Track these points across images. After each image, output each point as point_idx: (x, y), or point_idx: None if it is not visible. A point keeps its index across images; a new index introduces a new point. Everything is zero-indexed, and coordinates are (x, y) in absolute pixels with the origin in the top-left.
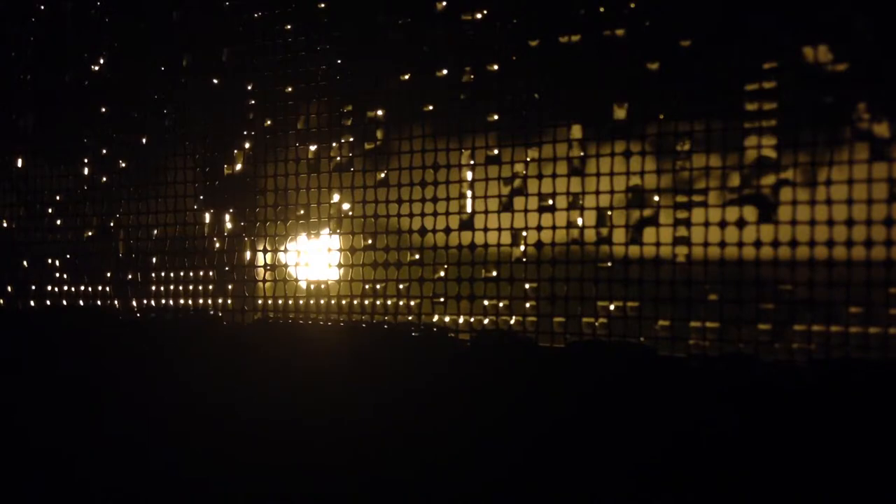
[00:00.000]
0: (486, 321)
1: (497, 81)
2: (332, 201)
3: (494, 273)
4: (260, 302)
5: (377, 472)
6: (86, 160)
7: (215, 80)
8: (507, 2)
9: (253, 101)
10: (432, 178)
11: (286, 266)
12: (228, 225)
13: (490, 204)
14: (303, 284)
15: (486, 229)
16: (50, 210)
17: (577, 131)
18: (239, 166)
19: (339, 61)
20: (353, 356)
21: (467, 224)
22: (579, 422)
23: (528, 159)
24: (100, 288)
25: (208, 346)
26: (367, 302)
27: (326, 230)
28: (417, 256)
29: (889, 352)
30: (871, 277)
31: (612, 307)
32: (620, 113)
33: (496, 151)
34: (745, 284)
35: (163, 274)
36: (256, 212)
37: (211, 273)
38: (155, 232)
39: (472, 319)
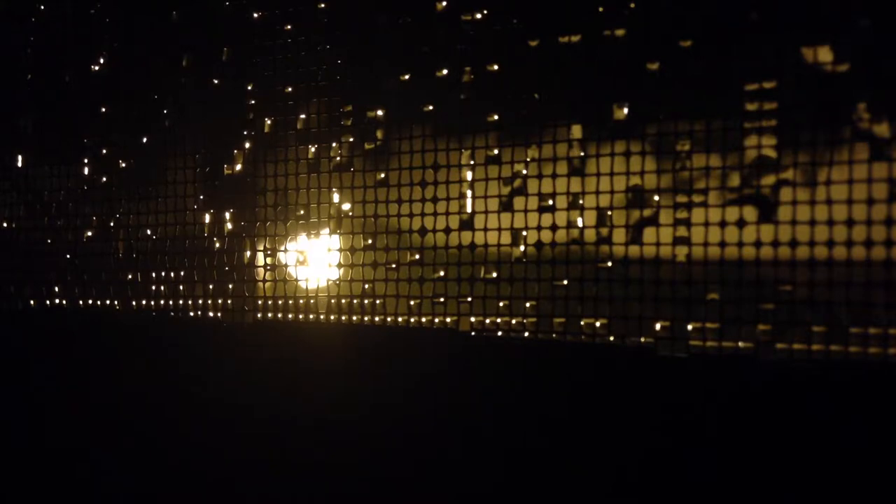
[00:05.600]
0: (486, 321)
1: (497, 81)
2: (332, 201)
3: (494, 273)
4: (260, 302)
5: (377, 471)
6: (86, 160)
7: (215, 80)
8: (507, 2)
9: (253, 101)
10: (432, 178)
11: (286, 266)
12: (228, 225)
13: (490, 204)
14: (303, 284)
15: (486, 229)
16: (50, 210)
17: (577, 131)
18: (239, 166)
19: (339, 61)
20: (353, 356)
21: (467, 224)
22: (580, 422)
23: (528, 159)
24: (100, 288)
25: (208, 346)
26: (366, 302)
27: (326, 230)
28: (417, 256)
29: (889, 352)
30: (871, 277)
31: (612, 307)
32: (620, 113)
33: (496, 151)
34: (745, 284)
35: (163, 274)
36: (256, 212)
37: (211, 273)
38: (155, 232)
39: (472, 319)
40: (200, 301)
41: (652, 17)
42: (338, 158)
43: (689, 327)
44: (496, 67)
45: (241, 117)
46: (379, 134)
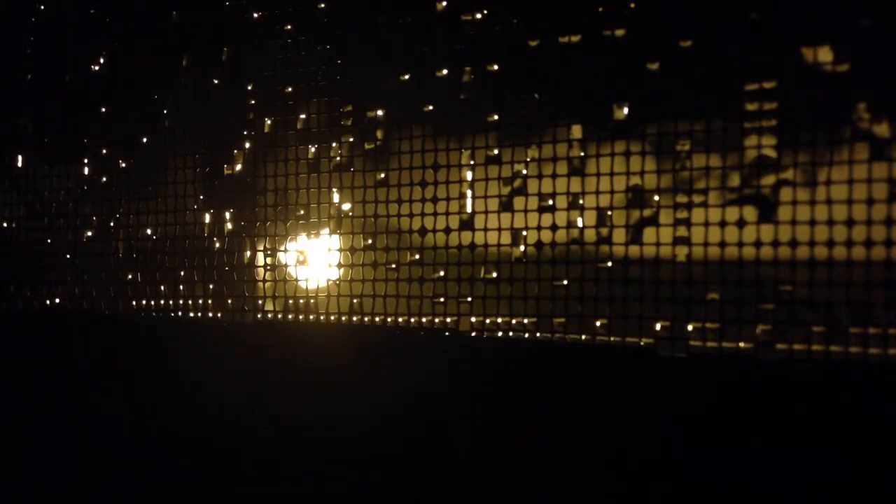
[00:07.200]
0: (486, 321)
1: (497, 81)
2: (332, 201)
3: (494, 273)
4: (260, 302)
5: (377, 471)
6: (86, 160)
7: (215, 80)
8: (507, 2)
9: (253, 101)
10: (432, 178)
11: (286, 266)
12: (228, 225)
13: (490, 204)
14: (303, 284)
15: (486, 229)
16: (50, 210)
17: (577, 131)
18: (239, 166)
19: (339, 61)
20: (353, 356)
21: (467, 224)
22: (579, 422)
23: (528, 159)
24: (100, 288)
25: (208, 346)
26: (366, 302)
27: (326, 230)
28: (417, 256)
29: (889, 352)
30: (871, 277)
31: (612, 307)
32: (620, 113)
33: (496, 151)
34: (745, 284)
35: (163, 274)
36: (256, 212)
37: (211, 273)
38: (155, 232)
39: (472, 319)
40: (200, 301)
41: (652, 17)
42: (338, 158)
43: (689, 327)
44: (496, 67)
45: (241, 117)
46: (379, 134)
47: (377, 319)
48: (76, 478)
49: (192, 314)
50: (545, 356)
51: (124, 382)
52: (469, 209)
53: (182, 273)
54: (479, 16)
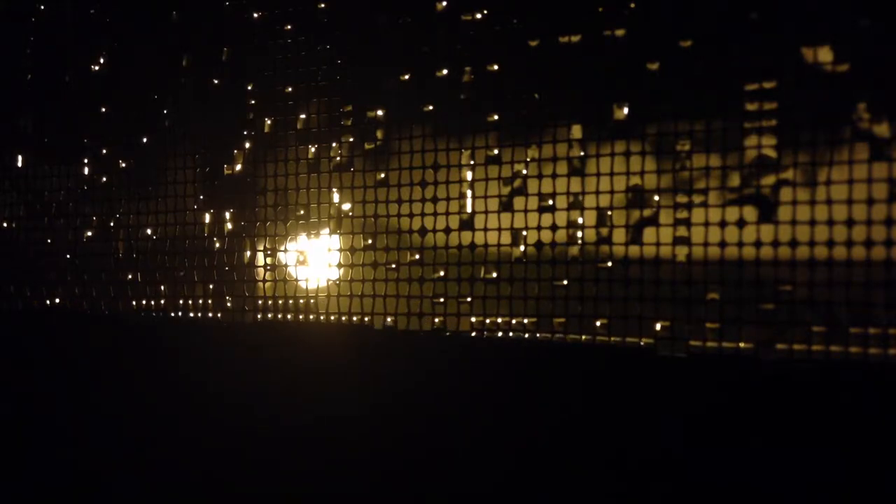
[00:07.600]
0: (486, 321)
1: (497, 81)
2: (332, 201)
3: (494, 273)
4: (260, 302)
5: (377, 471)
6: (86, 160)
7: (215, 80)
8: (507, 2)
9: (253, 101)
10: (432, 178)
11: (286, 266)
12: (228, 225)
13: (490, 204)
14: (303, 284)
15: (486, 229)
16: (50, 210)
17: (577, 131)
18: (239, 166)
19: (339, 61)
20: (353, 356)
21: (467, 224)
22: (579, 422)
23: (528, 159)
24: (100, 288)
25: (208, 346)
26: (366, 302)
27: (326, 230)
28: (417, 256)
29: (889, 352)
30: (871, 277)
31: (612, 307)
32: (620, 113)
33: (496, 151)
34: (745, 284)
35: (163, 274)
36: (256, 212)
37: (211, 273)
38: (155, 232)
39: (472, 319)
40: (200, 301)
41: (652, 17)
42: (338, 158)
43: (689, 327)
44: (496, 67)
45: (241, 117)
46: (379, 134)
47: (377, 319)
48: (76, 478)
49: (192, 314)
50: (545, 356)
51: (124, 382)
52: (469, 209)
53: (182, 273)
54: (479, 16)
